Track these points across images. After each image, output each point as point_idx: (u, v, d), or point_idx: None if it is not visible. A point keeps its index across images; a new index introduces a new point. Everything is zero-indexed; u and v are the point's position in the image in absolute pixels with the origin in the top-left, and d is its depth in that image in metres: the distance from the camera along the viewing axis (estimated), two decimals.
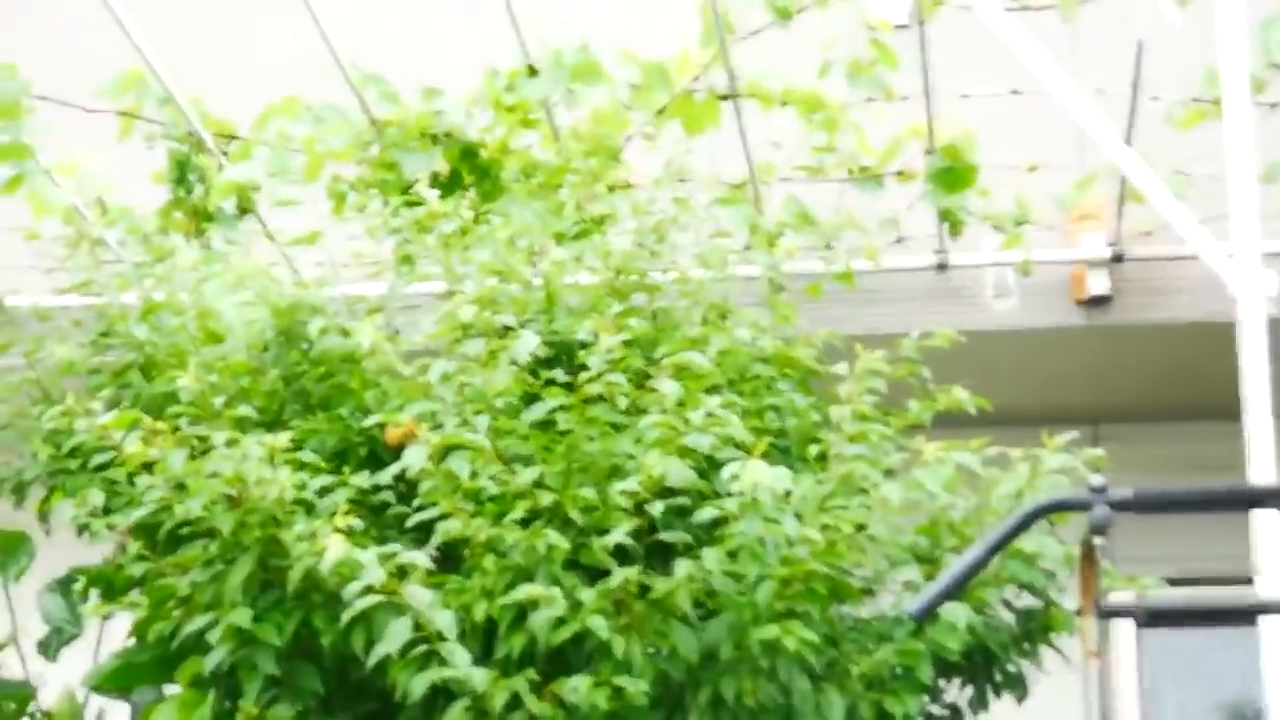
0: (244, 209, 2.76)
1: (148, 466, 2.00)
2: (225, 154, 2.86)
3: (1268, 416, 2.31)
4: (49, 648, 2.47)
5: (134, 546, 2.12)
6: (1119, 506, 1.67)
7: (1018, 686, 2.18)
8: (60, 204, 2.51)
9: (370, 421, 2.08)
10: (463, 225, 2.32)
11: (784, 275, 2.47)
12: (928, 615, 1.91)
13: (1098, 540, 1.69)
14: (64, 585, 2.42)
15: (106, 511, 2.13)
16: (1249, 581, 2.30)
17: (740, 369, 2.19)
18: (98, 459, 2.09)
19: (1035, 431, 2.17)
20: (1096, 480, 1.70)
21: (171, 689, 2.18)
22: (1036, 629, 2.16)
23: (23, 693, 2.37)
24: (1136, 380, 3.36)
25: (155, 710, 2.11)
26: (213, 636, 2.00)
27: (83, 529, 2.17)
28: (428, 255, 2.28)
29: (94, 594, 2.31)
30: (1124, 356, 3.28)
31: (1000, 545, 1.85)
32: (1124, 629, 3.39)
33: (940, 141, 2.88)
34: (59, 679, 2.40)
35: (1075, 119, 2.51)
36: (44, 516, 2.41)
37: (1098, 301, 3.15)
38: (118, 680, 2.28)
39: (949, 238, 3.10)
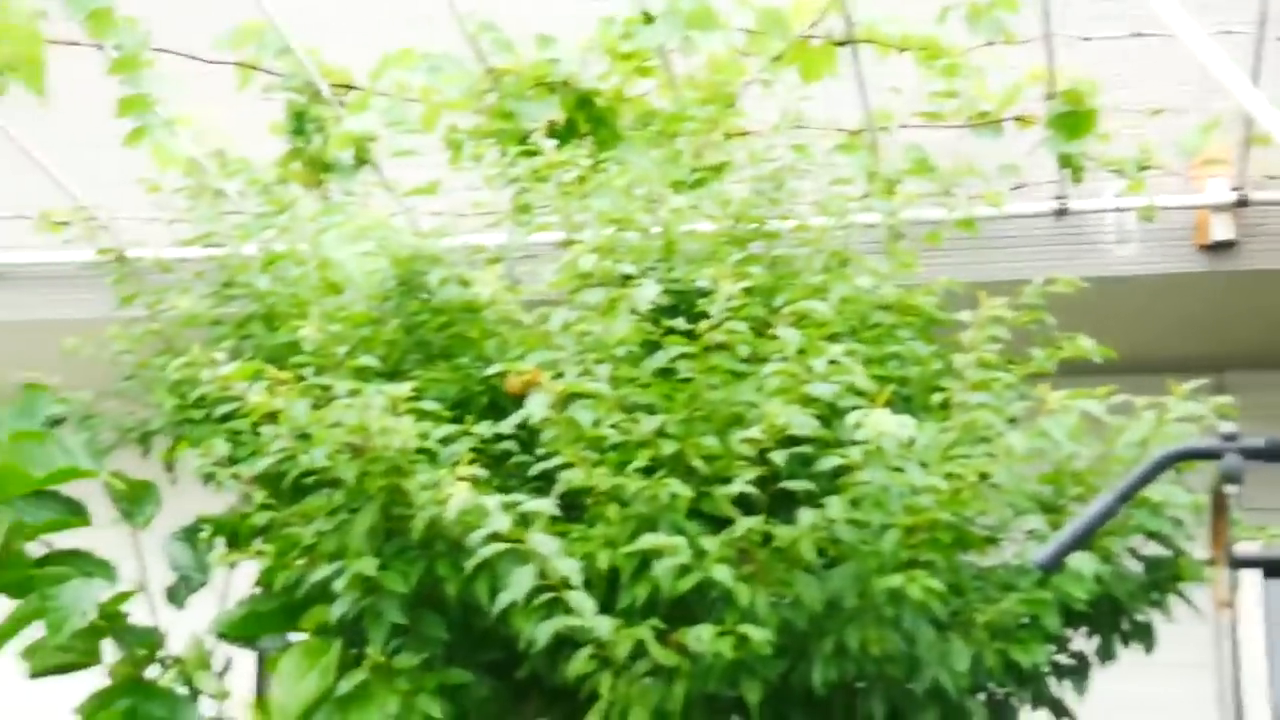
0: (361, 160, 2.82)
1: (271, 416, 2.04)
2: (342, 105, 2.92)
3: None
4: (176, 595, 2.54)
5: (259, 496, 2.18)
6: (1250, 455, 1.66)
7: (1145, 636, 2.17)
8: (181, 156, 2.58)
9: (491, 371, 2.10)
10: (580, 174, 2.35)
11: (903, 222, 2.46)
12: (1057, 565, 1.91)
13: (1229, 489, 1.68)
14: (190, 534, 2.48)
15: (231, 461, 2.19)
16: None
17: (861, 316, 2.19)
18: (222, 409, 2.14)
19: (1159, 380, 2.14)
20: (1227, 428, 1.68)
21: (296, 637, 2.25)
22: (1164, 578, 2.15)
23: (151, 639, 2.44)
24: (1261, 327, 3.31)
25: (281, 657, 2.16)
26: (338, 585, 2.04)
27: (208, 478, 2.23)
28: (545, 204, 2.30)
29: (219, 543, 2.38)
30: (1248, 303, 3.23)
31: (1130, 494, 1.83)
32: (1250, 579, 3.37)
33: (1060, 86, 2.87)
34: (186, 626, 2.47)
35: (1199, 60, 2.45)
36: (170, 466, 2.48)
37: (1221, 246, 3.11)
38: (244, 628, 2.34)
39: (1069, 183, 3.09)
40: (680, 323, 2.07)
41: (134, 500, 2.49)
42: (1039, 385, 2.11)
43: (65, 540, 2.48)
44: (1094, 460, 2.07)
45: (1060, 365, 2.16)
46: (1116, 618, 2.15)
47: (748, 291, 2.06)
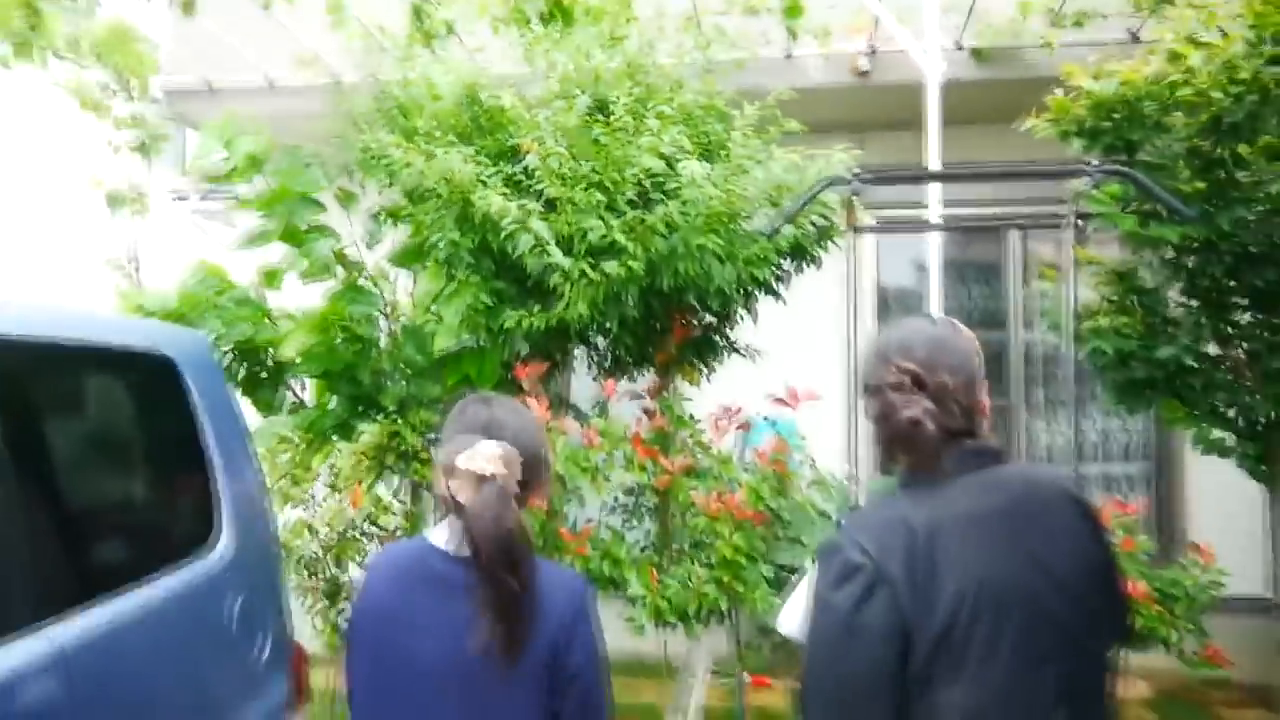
0: (450, 30, 4.66)
1: (406, 164, 4.05)
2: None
3: None
4: (370, 243, 4.70)
5: (404, 200, 4.24)
6: (864, 180, 3.60)
7: (816, 261, 4.24)
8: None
9: (511, 141, 4.07)
10: (555, 39, 4.25)
11: (712, 61, 4.38)
12: (774, 233, 3.90)
13: (854, 198, 3.62)
14: (375, 215, 4.59)
15: (389, 183, 4.22)
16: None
17: (688, 112, 4.12)
18: (383, 158, 4.15)
19: (832, 138, 4.11)
20: (854, 168, 3.61)
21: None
22: (825, 237, 4.19)
23: (359, 266, 4.65)
24: (884, 111, 5.55)
25: (422, 273, 4.27)
26: (440, 243, 4.11)
27: (388, 185, 4.30)
28: (539, 54, 4.23)
29: (387, 221, 4.50)
30: (878, 99, 5.51)
31: (810, 199, 3.75)
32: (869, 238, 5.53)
33: None
34: (372, 260, 4.65)
35: None
36: (362, 183, 4.55)
37: (864, 74, 5.42)
38: (401, 260, 4.49)
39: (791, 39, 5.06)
40: (599, 115, 4.02)
41: (347, 200, 4.60)
42: (771, 144, 4.07)
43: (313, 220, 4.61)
44: (796, 182, 4.03)
45: (784, 134, 4.10)
46: (803, 254, 4.20)
47: (635, 100, 3.99)
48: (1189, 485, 6.70)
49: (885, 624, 1.57)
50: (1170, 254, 4.35)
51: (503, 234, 3.87)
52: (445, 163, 3.90)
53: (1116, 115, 4.09)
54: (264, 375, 4.86)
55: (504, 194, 3.86)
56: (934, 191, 4.44)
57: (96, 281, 7.25)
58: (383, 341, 4.74)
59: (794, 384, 4.00)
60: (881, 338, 1.84)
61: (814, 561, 1.69)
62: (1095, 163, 3.40)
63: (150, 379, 2.89)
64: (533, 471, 1.92)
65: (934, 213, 4.41)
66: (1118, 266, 4.55)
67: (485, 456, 1.84)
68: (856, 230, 3.55)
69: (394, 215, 4.45)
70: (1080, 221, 3.68)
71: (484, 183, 3.93)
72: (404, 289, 4.63)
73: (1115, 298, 4.55)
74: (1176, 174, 4.11)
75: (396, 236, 4.55)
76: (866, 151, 4.01)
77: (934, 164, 4.27)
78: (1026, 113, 4.26)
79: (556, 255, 3.82)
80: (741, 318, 4.50)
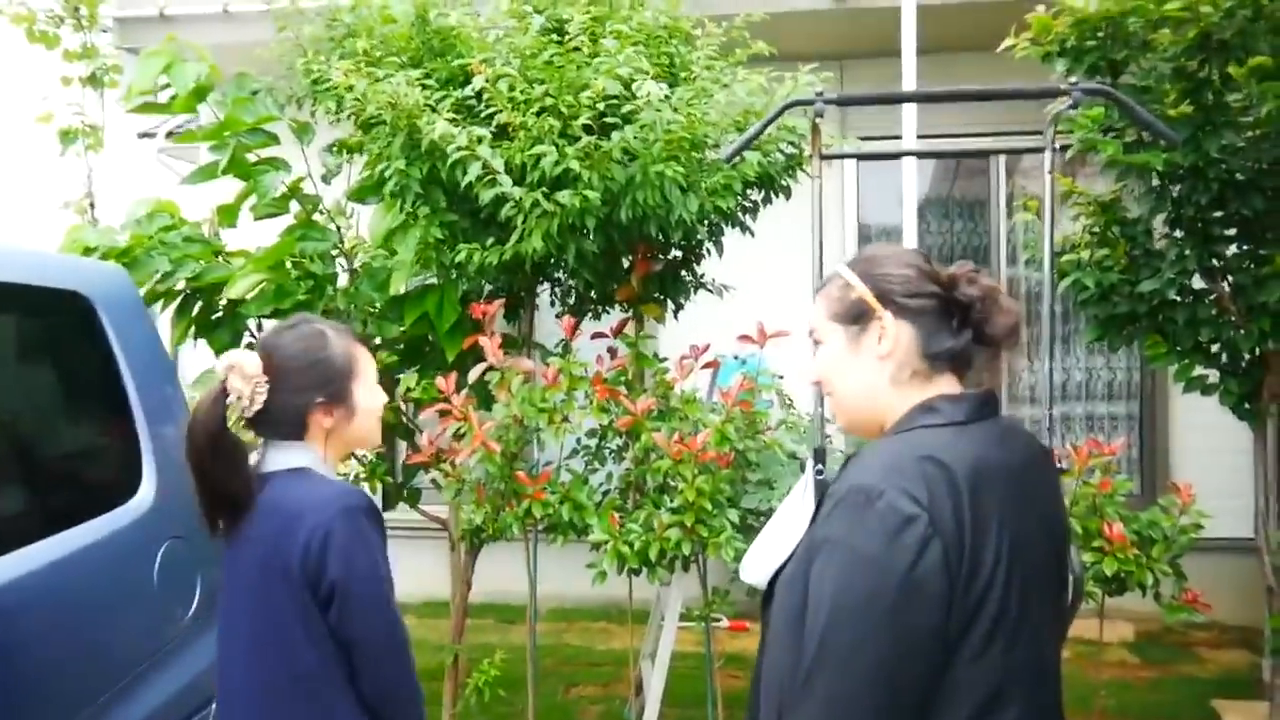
0: None
1: (349, 89, 3.82)
2: None
3: None
4: (326, 178, 4.52)
5: (354, 129, 4.02)
6: (828, 102, 3.35)
7: (786, 192, 4.05)
8: None
9: (459, 62, 3.85)
10: None
11: None
12: (733, 158, 3.60)
13: (818, 119, 3.37)
14: (330, 148, 4.39)
15: (338, 111, 4.00)
16: None
17: (649, 32, 3.90)
18: (327, 85, 3.93)
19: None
20: (818, 88, 3.35)
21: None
22: (794, 165, 3.98)
23: (314, 200, 4.45)
24: (866, 40, 5.11)
25: (377, 208, 4.07)
26: (390, 175, 3.88)
27: (333, 118, 4.08)
28: None
29: (343, 154, 4.30)
30: (859, 23, 5.06)
31: (771, 120, 3.38)
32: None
33: None
34: (330, 196, 4.46)
35: None
36: (312, 113, 4.32)
37: None
38: (358, 195, 4.29)
39: None
40: (555, 36, 3.80)
41: (302, 132, 4.39)
42: (738, 67, 3.86)
43: (265, 153, 4.39)
44: (763, 106, 3.82)
45: (752, 57, 3.89)
46: (772, 186, 4.00)
47: (592, 20, 3.77)
48: (1174, 424, 6.58)
49: (942, 586, 1.37)
50: (1155, 182, 4.16)
51: (449, 162, 3.65)
52: (389, 86, 3.67)
53: (1100, 34, 3.87)
54: (218, 316, 4.69)
55: (452, 119, 3.64)
56: (909, 118, 4.22)
57: (54, 224, 7.02)
58: (342, 280, 4.57)
59: (766, 322, 3.83)
60: (888, 250, 1.69)
61: (780, 503, 1.54)
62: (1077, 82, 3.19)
63: (61, 318, 2.71)
64: (292, 380, 2.03)
65: (909, 141, 4.21)
66: (1101, 197, 4.35)
67: (221, 364, 2.02)
68: (823, 157, 3.33)
69: (350, 148, 4.25)
70: (1060, 148, 3.47)
71: (432, 108, 3.70)
72: (365, 226, 4.43)
73: (1097, 229, 4.36)
74: (1163, 98, 3.91)
75: (354, 171, 4.35)
76: (846, 82, 3.81)
77: (910, 88, 4.06)
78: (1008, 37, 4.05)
79: (506, 184, 3.61)
80: (708, 252, 4.31)
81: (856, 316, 1.64)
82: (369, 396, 2.13)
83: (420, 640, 6.66)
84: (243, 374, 1.98)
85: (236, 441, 1.99)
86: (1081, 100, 3.12)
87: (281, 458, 2.04)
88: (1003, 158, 6.67)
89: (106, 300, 2.76)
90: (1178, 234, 4.27)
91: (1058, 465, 3.23)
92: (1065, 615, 1.64)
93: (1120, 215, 4.31)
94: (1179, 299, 4.24)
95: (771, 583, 1.76)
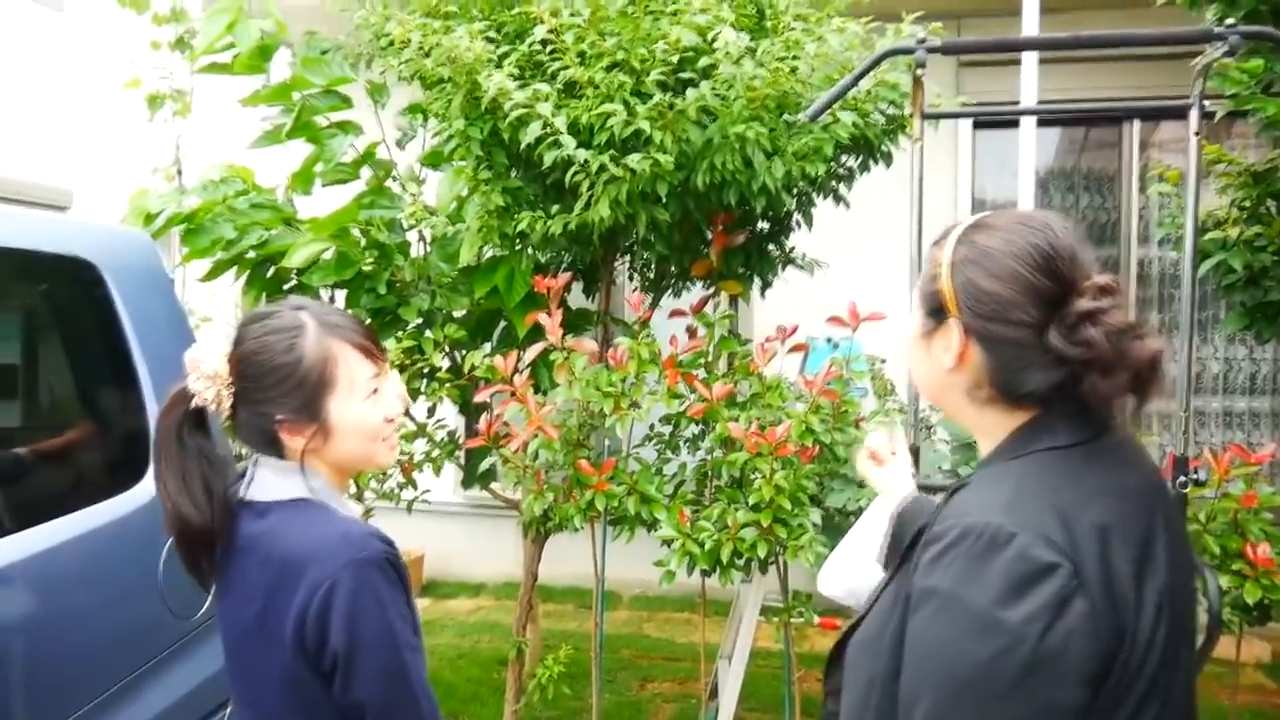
0: None
1: (406, 43, 3.53)
2: None
3: None
4: (401, 143, 4.32)
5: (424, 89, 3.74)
6: (931, 50, 2.88)
7: (887, 159, 3.60)
8: None
9: (533, 13, 3.50)
10: None
11: None
12: (817, 117, 3.15)
13: (919, 71, 2.93)
14: (404, 112, 4.16)
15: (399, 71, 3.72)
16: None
17: None
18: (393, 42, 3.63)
19: (918, 24, 3.44)
20: (920, 36, 2.89)
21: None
22: (894, 127, 3.53)
23: (387, 166, 4.27)
24: None
25: (447, 174, 3.81)
26: (452, 136, 3.60)
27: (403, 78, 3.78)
28: None
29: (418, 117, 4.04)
30: None
31: (863, 73, 2.99)
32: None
33: None
34: (404, 161, 4.22)
35: None
36: (382, 73, 4.05)
37: None
38: (432, 159, 4.04)
39: None
40: None
41: (376, 93, 4.14)
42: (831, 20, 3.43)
43: (337, 117, 4.19)
44: (859, 60, 3.38)
45: (851, 6, 3.45)
46: (870, 149, 3.57)
47: None
48: None
49: (1085, 655, 1.07)
50: None
51: (506, 120, 3.33)
52: (449, 40, 3.36)
53: None
54: (290, 286, 4.49)
55: (516, 75, 3.31)
56: (1029, 77, 3.72)
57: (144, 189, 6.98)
58: (415, 250, 4.33)
59: (862, 303, 3.42)
60: (1000, 240, 1.24)
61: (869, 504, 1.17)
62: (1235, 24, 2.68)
63: (62, 286, 2.48)
64: (250, 389, 1.63)
65: (1028, 99, 3.72)
66: (1254, 166, 3.80)
67: (187, 357, 1.67)
68: (925, 116, 2.91)
69: (423, 111, 3.94)
70: (1208, 103, 2.95)
71: (496, 63, 3.38)
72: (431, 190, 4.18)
73: (1249, 203, 3.81)
74: None
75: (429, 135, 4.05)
76: (971, 33, 3.35)
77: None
78: None
79: (570, 145, 3.26)
80: (797, 225, 3.91)
81: (933, 309, 1.29)
82: (354, 412, 1.65)
83: (495, 624, 6.53)
84: (201, 373, 1.61)
85: (204, 454, 1.63)
86: (1240, 47, 2.64)
87: (274, 482, 1.64)
88: (1136, 126, 6.06)
89: (117, 269, 2.52)
90: None
91: (1194, 476, 2.78)
92: (1202, 655, 1.46)
93: (1277, 187, 3.75)
94: None
95: (840, 643, 1.42)
